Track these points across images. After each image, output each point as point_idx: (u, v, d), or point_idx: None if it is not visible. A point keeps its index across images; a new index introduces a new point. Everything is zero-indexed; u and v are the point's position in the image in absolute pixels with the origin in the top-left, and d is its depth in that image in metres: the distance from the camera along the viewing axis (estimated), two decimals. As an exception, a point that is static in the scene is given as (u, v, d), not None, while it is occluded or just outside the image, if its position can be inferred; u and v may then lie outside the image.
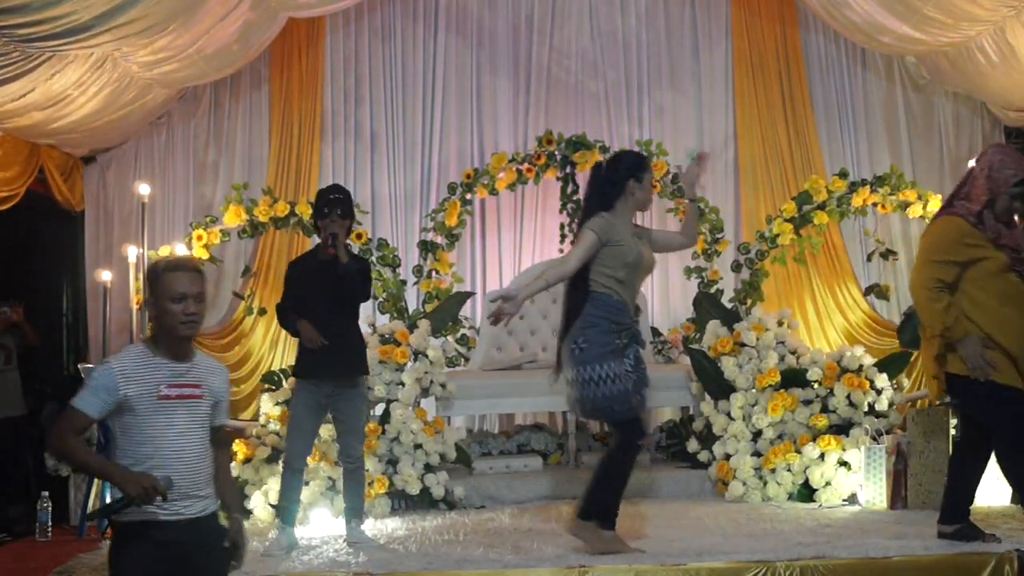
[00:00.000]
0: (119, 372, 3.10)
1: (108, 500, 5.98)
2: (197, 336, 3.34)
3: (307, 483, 6.03)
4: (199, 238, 7.38)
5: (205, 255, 7.40)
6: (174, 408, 3.15)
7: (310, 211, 6.43)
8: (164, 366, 3.16)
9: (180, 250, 7.30)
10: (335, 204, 5.36)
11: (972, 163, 7.39)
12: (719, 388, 6.64)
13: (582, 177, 7.66)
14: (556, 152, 7.77)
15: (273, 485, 5.97)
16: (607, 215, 4.83)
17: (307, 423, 5.38)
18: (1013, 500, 5.92)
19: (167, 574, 3.11)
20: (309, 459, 6.05)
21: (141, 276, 7.16)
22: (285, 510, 5.36)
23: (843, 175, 7.64)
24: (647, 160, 5.07)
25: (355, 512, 5.44)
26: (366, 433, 6.26)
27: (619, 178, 4.88)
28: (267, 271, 8.07)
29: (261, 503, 6.00)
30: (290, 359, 6.73)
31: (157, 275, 3.20)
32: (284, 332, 6.81)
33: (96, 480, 6.22)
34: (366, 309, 7.77)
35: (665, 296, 8.47)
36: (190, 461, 3.17)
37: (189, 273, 3.21)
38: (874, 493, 6.00)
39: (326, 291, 5.29)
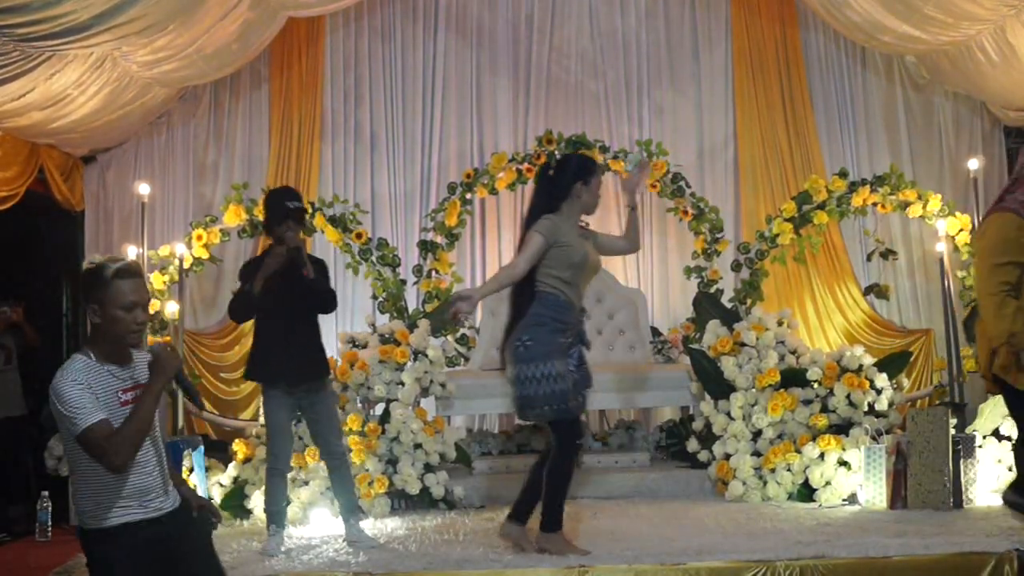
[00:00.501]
0: (85, 386, 2.99)
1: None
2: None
3: (306, 483, 6.04)
4: (199, 238, 7.39)
5: (205, 255, 7.40)
6: (126, 413, 3.06)
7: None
8: (114, 372, 3.08)
9: (180, 250, 7.31)
10: (294, 214, 5.26)
11: (973, 163, 7.47)
12: (719, 388, 6.64)
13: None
14: (556, 152, 7.76)
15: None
16: (553, 217, 4.87)
17: (288, 426, 5.40)
18: (1013, 500, 5.92)
19: (156, 572, 3.08)
20: (309, 459, 6.08)
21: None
22: (277, 514, 5.36)
23: (843, 175, 7.64)
24: (595, 164, 5.09)
25: (351, 509, 5.45)
26: (366, 433, 6.29)
27: (567, 181, 4.92)
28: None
29: (261, 503, 5.99)
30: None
31: (105, 281, 3.03)
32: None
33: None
34: (366, 309, 7.82)
35: (665, 296, 8.48)
36: (159, 459, 3.15)
37: (138, 280, 3.09)
38: (874, 493, 6.00)
39: (289, 296, 5.24)
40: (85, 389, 2.97)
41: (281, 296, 5.22)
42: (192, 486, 4.26)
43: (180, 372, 3.13)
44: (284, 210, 5.24)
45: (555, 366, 4.73)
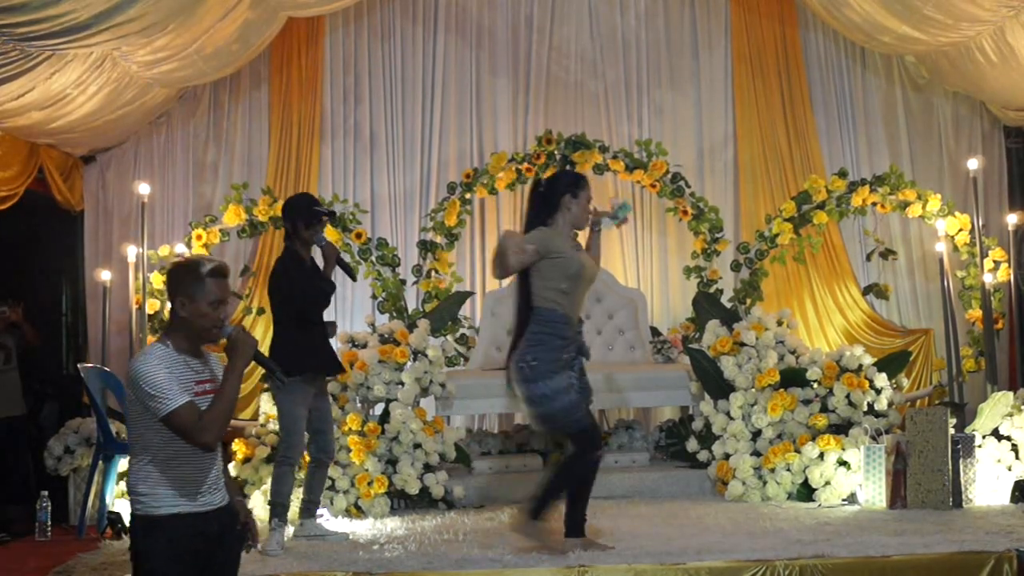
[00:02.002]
0: (167, 370, 3.11)
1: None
2: None
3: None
4: (198, 238, 7.40)
5: (204, 255, 7.40)
6: (201, 404, 3.17)
7: None
8: (189, 363, 3.20)
9: (179, 250, 7.30)
10: (327, 219, 5.68)
11: (972, 162, 7.47)
12: (719, 388, 6.64)
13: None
14: (556, 152, 7.77)
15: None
16: (546, 229, 4.96)
17: (304, 421, 5.45)
18: (1012, 500, 5.93)
19: (195, 567, 3.14)
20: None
21: (141, 276, 7.16)
22: (283, 508, 5.38)
23: (842, 175, 7.65)
24: (584, 179, 5.17)
25: (317, 505, 5.60)
26: (366, 432, 6.31)
27: (557, 194, 5.01)
28: (266, 271, 8.03)
29: (261, 503, 5.99)
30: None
31: (199, 278, 3.21)
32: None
33: (95, 480, 6.23)
34: (365, 308, 7.82)
35: (665, 296, 8.48)
36: (216, 452, 3.23)
37: (226, 280, 3.28)
38: (873, 492, 6.00)
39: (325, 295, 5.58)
40: (169, 373, 3.11)
41: (319, 293, 5.52)
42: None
43: (258, 351, 3.27)
44: (317, 215, 5.53)
45: (560, 380, 4.83)
